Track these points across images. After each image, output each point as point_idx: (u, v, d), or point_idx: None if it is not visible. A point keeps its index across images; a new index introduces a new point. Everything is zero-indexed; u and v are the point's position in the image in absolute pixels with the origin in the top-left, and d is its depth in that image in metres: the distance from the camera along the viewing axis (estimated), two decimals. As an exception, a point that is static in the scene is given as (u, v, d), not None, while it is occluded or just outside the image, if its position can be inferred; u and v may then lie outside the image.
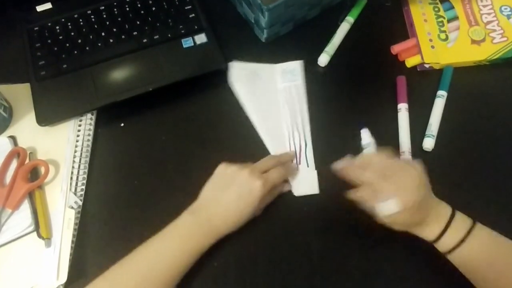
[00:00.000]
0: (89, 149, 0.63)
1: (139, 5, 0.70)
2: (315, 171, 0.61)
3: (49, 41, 0.67)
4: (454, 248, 0.48)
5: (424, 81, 0.69)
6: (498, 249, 0.48)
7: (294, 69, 0.68)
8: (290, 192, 0.60)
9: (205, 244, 0.53)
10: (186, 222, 0.53)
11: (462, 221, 0.49)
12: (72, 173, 0.60)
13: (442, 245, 0.49)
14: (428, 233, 0.50)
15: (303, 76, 0.68)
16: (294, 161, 0.62)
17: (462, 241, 0.47)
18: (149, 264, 0.50)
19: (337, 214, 0.59)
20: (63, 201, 0.58)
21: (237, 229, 0.54)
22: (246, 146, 0.64)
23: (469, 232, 0.48)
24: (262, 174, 0.55)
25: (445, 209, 0.50)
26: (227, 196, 0.54)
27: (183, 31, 0.68)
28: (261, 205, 0.56)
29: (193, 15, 0.70)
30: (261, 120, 0.64)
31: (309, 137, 0.64)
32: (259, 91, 0.66)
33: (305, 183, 0.60)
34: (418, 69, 0.70)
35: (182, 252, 0.51)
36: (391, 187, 0.48)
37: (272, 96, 0.67)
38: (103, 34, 0.68)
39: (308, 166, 0.62)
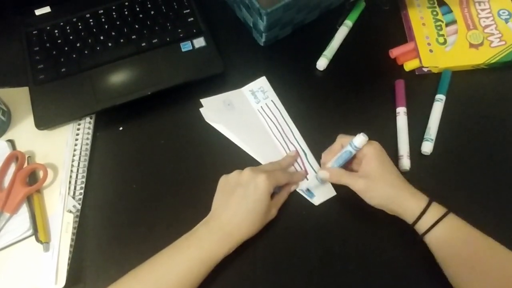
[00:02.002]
0: (88, 153, 0.63)
1: (138, 9, 0.71)
2: None
3: (47, 44, 0.67)
4: (428, 230, 0.50)
5: (423, 85, 0.69)
6: (468, 237, 0.50)
7: (261, 86, 0.68)
8: (288, 196, 0.60)
9: (219, 254, 0.52)
10: (199, 233, 0.53)
11: (438, 207, 0.52)
12: (70, 177, 0.60)
13: (420, 227, 0.51)
14: (409, 214, 0.52)
15: (272, 89, 0.68)
16: (299, 168, 0.62)
17: (436, 223, 0.50)
18: (162, 274, 0.50)
19: (336, 218, 0.59)
20: (61, 205, 0.58)
21: (255, 233, 0.54)
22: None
23: (443, 216, 0.50)
24: (264, 171, 0.55)
25: (423, 196, 0.52)
26: (234, 200, 0.54)
27: (181, 35, 0.68)
28: (272, 204, 0.56)
29: (192, 19, 0.70)
30: (253, 146, 0.63)
31: (305, 145, 0.64)
32: (238, 120, 0.65)
33: (320, 189, 0.60)
34: (417, 73, 0.70)
35: (195, 262, 0.51)
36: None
37: (253, 119, 0.66)
38: (101, 37, 0.68)
39: (316, 173, 0.62)
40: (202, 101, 0.66)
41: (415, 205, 0.51)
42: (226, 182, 0.56)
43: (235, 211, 0.53)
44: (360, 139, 0.52)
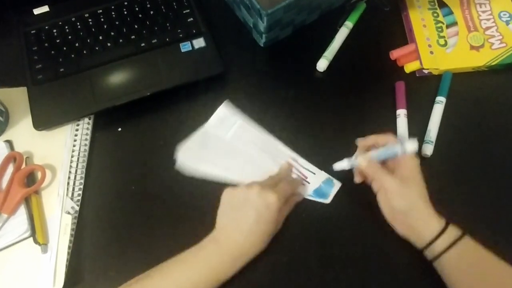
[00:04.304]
0: (86, 154, 0.62)
1: (137, 9, 0.70)
2: (322, 172, 0.61)
3: (46, 44, 0.67)
4: (440, 254, 0.50)
5: (423, 87, 0.68)
6: (482, 262, 0.49)
7: (225, 112, 0.64)
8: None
9: (229, 273, 0.52)
10: (208, 252, 0.52)
11: (453, 230, 0.51)
12: (69, 178, 0.60)
13: (431, 251, 0.51)
14: (422, 236, 0.51)
15: (237, 111, 0.65)
16: (295, 175, 0.62)
17: (449, 247, 0.49)
18: None
19: (337, 221, 0.59)
20: (59, 206, 0.58)
21: (263, 250, 0.54)
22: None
23: (457, 240, 0.49)
24: (272, 188, 0.55)
25: (440, 220, 0.52)
26: (245, 220, 0.52)
27: (181, 35, 0.68)
28: (280, 218, 0.55)
29: (192, 19, 0.69)
30: (244, 175, 0.60)
31: (292, 151, 0.63)
32: (215, 156, 0.62)
33: (325, 186, 0.60)
34: (417, 75, 0.70)
35: (205, 282, 0.50)
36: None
37: (231, 149, 0.62)
38: (100, 37, 0.67)
39: (315, 174, 0.61)
40: (177, 155, 0.62)
41: (434, 225, 0.51)
42: (233, 198, 0.54)
43: (247, 234, 0.52)
44: (414, 146, 0.52)
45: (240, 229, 0.52)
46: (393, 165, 0.55)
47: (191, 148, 0.62)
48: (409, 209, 0.52)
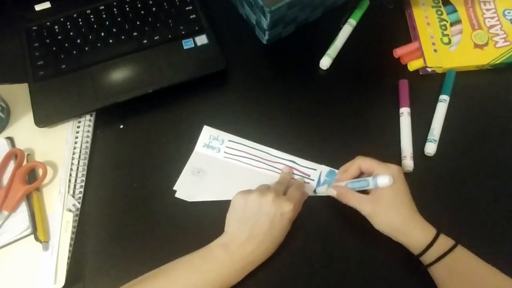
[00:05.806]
0: (88, 151, 0.62)
1: (139, 5, 0.70)
2: (323, 166, 0.61)
3: (47, 40, 0.67)
4: (433, 263, 0.49)
5: (427, 85, 0.68)
6: (473, 271, 0.49)
7: (210, 135, 0.63)
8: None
9: (238, 280, 0.52)
10: (219, 259, 0.51)
11: (446, 240, 0.50)
12: (70, 175, 0.60)
13: (425, 258, 0.50)
14: (415, 245, 0.51)
15: (220, 131, 0.64)
16: (297, 177, 0.61)
17: (442, 257, 0.49)
18: None
19: (338, 218, 0.59)
20: (61, 203, 0.58)
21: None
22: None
23: (449, 250, 0.49)
24: (285, 196, 0.55)
25: (431, 228, 0.51)
26: (259, 228, 0.51)
27: (183, 32, 0.67)
28: (290, 224, 0.55)
29: (194, 16, 0.69)
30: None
31: (288, 155, 0.62)
32: (213, 179, 0.61)
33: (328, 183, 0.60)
34: (421, 73, 0.69)
35: (213, 285, 0.50)
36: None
37: (227, 167, 0.61)
38: (102, 34, 0.67)
39: (316, 170, 0.61)
40: (175, 188, 0.60)
41: (422, 237, 0.50)
42: (246, 204, 0.53)
43: (259, 242, 0.51)
44: (385, 181, 0.50)
45: (252, 237, 0.51)
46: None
47: (186, 178, 0.61)
48: (391, 228, 0.52)
